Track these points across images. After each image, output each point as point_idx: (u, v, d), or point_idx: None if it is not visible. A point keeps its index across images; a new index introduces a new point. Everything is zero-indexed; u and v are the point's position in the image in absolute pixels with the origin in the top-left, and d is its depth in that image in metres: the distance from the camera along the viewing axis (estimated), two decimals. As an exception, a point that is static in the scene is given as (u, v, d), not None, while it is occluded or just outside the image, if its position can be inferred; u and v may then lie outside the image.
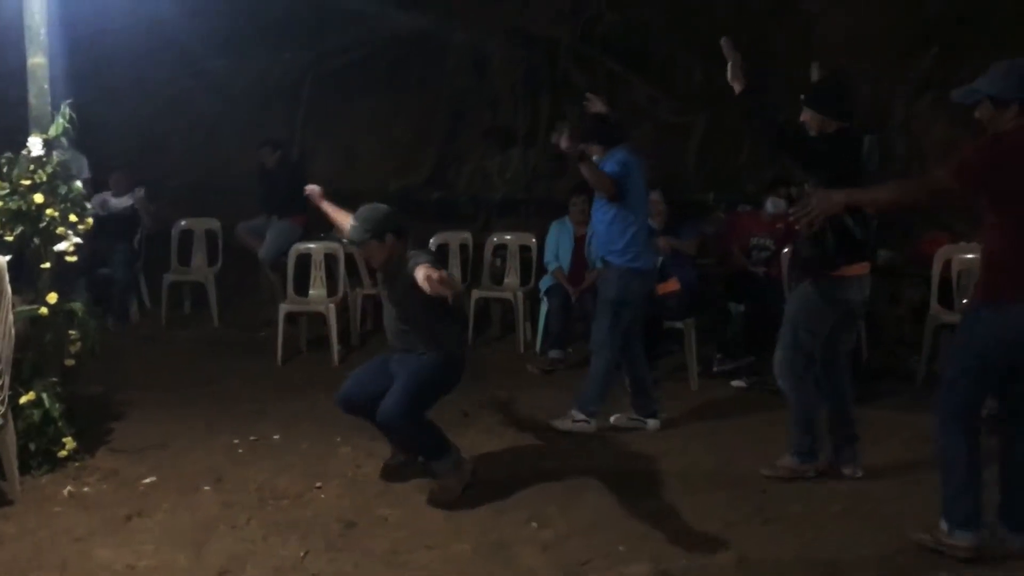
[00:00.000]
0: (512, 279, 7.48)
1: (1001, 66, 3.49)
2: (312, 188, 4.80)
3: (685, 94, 8.63)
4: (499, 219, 8.65)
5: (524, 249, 7.50)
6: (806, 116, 4.22)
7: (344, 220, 4.53)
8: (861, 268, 4.24)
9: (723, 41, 4.17)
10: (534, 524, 3.92)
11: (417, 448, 4.32)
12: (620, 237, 5.00)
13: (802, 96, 4.25)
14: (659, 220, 6.38)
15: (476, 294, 7.33)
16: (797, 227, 4.08)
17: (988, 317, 3.49)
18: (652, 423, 5.19)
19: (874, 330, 6.45)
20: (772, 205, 6.63)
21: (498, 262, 7.61)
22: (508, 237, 7.63)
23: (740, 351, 6.23)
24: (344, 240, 4.33)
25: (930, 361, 6.09)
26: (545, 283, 6.93)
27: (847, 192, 3.67)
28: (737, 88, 4.13)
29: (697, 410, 5.59)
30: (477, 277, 7.59)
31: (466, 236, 7.67)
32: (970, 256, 5.90)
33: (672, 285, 6.14)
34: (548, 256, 6.97)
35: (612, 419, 5.20)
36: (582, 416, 5.10)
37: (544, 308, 6.84)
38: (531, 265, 7.39)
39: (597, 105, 5.24)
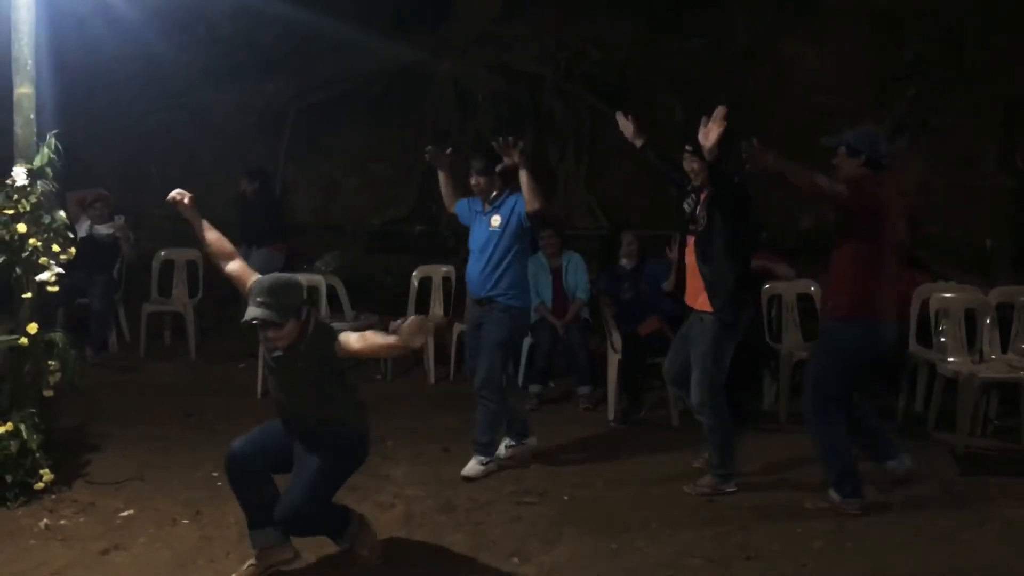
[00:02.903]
0: (494, 313, 7.48)
1: (866, 129, 4.42)
2: (180, 193, 3.95)
3: (665, 131, 8.73)
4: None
5: (506, 283, 7.50)
6: (692, 164, 4.63)
7: (216, 240, 3.94)
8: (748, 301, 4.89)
9: (617, 115, 4.79)
10: (515, 559, 3.92)
11: (324, 533, 3.81)
12: (518, 278, 5.05)
13: (688, 147, 4.62)
14: (632, 260, 6.57)
15: (458, 328, 7.32)
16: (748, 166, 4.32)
17: (851, 330, 4.32)
18: (531, 440, 5.26)
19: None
20: None
21: (480, 296, 7.61)
22: (490, 271, 7.63)
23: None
24: (251, 318, 3.43)
25: (909, 399, 6.15)
26: (531, 319, 6.93)
27: (778, 158, 4.16)
28: (638, 144, 4.79)
29: (678, 447, 5.59)
30: (459, 311, 7.58)
31: (449, 269, 7.68)
32: (948, 295, 5.97)
33: (652, 324, 6.17)
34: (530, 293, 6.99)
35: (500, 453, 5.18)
36: (516, 443, 5.17)
37: (528, 343, 6.85)
38: (513, 299, 7.40)
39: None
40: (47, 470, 4.48)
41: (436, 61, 9.23)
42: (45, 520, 4.23)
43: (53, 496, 4.49)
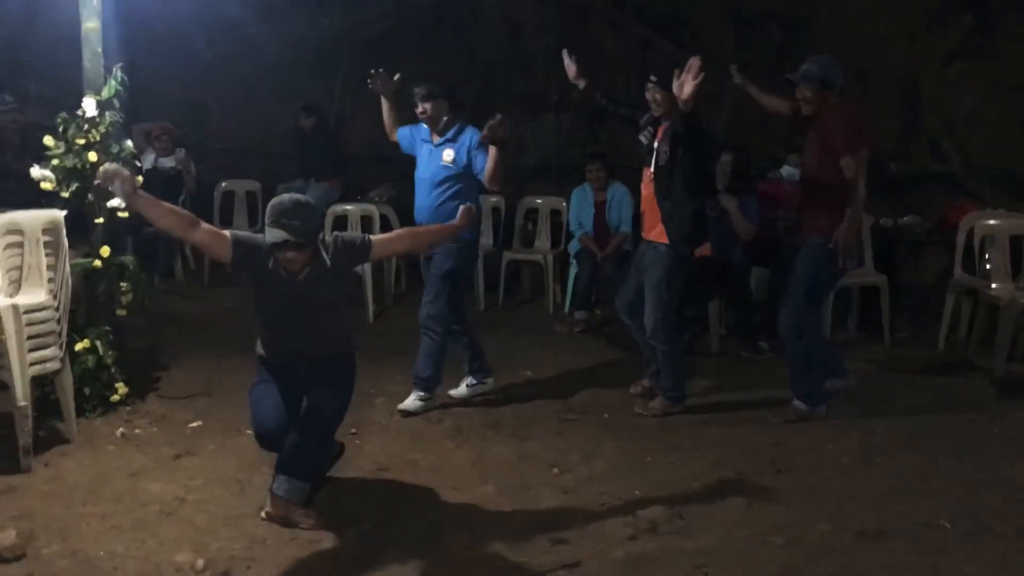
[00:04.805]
0: (543, 242, 7.67)
1: (826, 59, 4.60)
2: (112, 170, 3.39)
3: (717, 60, 8.67)
4: (531, 184, 8.80)
5: (555, 213, 7.67)
6: (657, 94, 4.68)
7: (168, 212, 3.56)
8: None
9: (564, 53, 5.00)
10: (555, 470, 4.15)
11: (314, 462, 3.76)
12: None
13: (652, 78, 4.71)
14: (724, 181, 6.33)
15: (507, 256, 7.54)
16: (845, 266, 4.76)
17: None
18: (490, 380, 5.18)
19: (898, 296, 6.57)
20: (787, 172, 6.70)
21: (529, 225, 7.79)
22: (539, 201, 7.80)
23: (760, 318, 6.30)
24: (282, 239, 3.40)
25: (952, 327, 6.20)
26: (574, 247, 7.11)
27: (851, 223, 4.61)
28: (581, 85, 5.03)
29: (716, 370, 5.75)
30: (508, 240, 7.78)
31: (498, 200, 7.84)
32: (993, 222, 5.96)
33: (704, 250, 6.19)
34: (572, 223, 7.15)
35: (454, 392, 5.08)
36: (476, 382, 5.09)
37: (573, 271, 7.03)
38: (561, 228, 7.57)
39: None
40: (122, 384, 4.82)
41: (486, -8, 9.27)
42: (121, 429, 4.58)
43: (128, 408, 4.83)
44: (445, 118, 4.94)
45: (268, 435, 3.69)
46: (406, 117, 5.20)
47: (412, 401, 4.93)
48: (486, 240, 7.78)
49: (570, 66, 5.00)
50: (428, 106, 4.90)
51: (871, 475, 4.07)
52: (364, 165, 9.27)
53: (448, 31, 9.49)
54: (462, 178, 4.90)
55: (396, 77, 5.10)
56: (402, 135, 5.19)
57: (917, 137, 7.86)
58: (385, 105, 5.22)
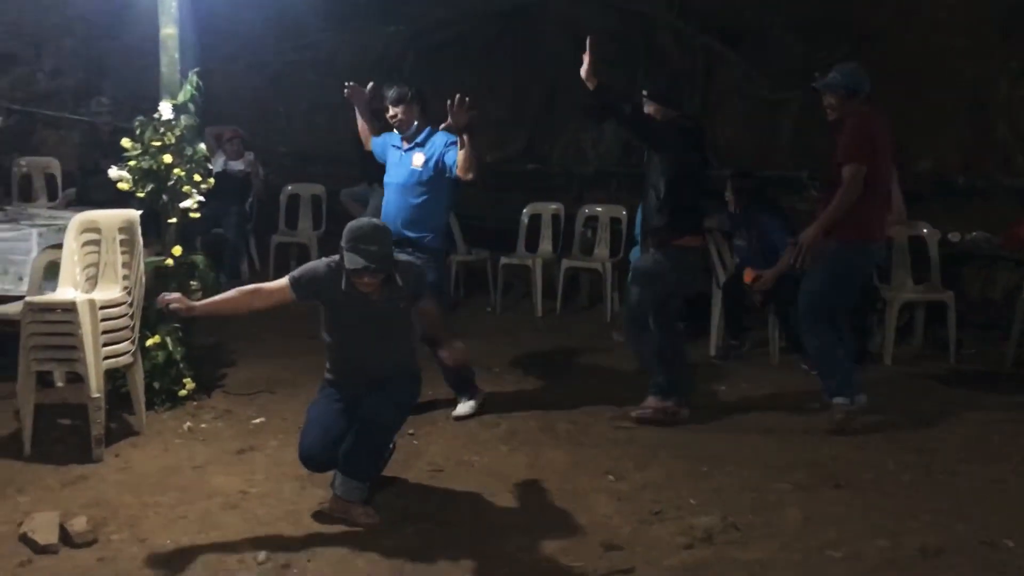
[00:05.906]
0: (602, 250, 7.69)
1: (851, 66, 4.67)
2: (165, 299, 3.64)
3: (781, 71, 8.61)
4: (591, 191, 8.83)
5: (614, 221, 7.68)
6: (650, 108, 4.76)
7: (232, 300, 3.78)
8: (696, 240, 4.92)
9: (588, 39, 4.45)
10: (611, 477, 4.16)
11: (373, 465, 3.83)
12: (438, 218, 4.86)
13: (643, 92, 4.77)
14: (730, 205, 6.30)
15: (566, 264, 7.57)
16: (798, 266, 4.73)
17: (854, 252, 4.66)
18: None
19: (965, 313, 6.44)
20: None
21: (588, 233, 7.81)
22: (599, 209, 7.82)
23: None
24: (361, 266, 3.50)
25: (1020, 344, 6.06)
26: (634, 255, 7.08)
27: (815, 227, 4.60)
28: (591, 85, 4.48)
29: (776, 382, 5.71)
30: (568, 247, 7.81)
31: (558, 207, 7.89)
32: (1064, 239, 5.83)
33: (750, 276, 6.13)
34: (638, 227, 7.11)
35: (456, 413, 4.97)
36: (472, 400, 5.02)
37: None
38: (620, 237, 7.57)
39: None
40: (189, 379, 4.97)
41: (548, 1, 9.32)
42: (188, 423, 4.72)
43: (194, 403, 4.98)
44: (416, 123, 4.84)
45: (312, 463, 3.77)
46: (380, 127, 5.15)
47: (462, 407, 4.98)
48: (546, 246, 7.84)
49: (587, 62, 4.45)
50: (399, 110, 4.80)
51: (933, 491, 4.00)
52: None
53: (511, 40, 9.57)
54: (432, 185, 4.77)
55: (369, 87, 5.01)
56: (375, 143, 5.11)
57: (987, 150, 7.69)
58: (359, 115, 5.16)
